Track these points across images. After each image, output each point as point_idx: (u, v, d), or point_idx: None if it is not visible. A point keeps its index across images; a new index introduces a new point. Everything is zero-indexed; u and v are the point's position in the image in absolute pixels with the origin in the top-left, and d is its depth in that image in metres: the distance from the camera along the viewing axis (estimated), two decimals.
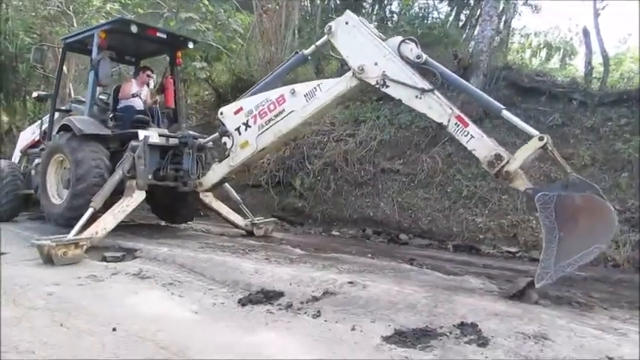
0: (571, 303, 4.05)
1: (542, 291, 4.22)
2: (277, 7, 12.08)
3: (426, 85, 4.91)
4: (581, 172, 7.87)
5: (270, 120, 5.94)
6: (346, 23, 5.43)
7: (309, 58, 6.35)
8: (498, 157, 4.46)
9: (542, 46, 14.68)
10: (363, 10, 15.54)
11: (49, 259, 5.00)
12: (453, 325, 3.30)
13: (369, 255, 6.10)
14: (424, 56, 5.03)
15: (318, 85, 5.75)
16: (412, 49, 5.05)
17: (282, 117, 5.88)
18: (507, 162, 4.42)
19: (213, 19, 12.11)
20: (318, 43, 5.88)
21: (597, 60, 10.33)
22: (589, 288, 4.83)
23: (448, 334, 3.19)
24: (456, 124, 4.72)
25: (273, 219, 8.36)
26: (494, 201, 8.11)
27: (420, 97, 4.92)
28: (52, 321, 3.35)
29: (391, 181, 9.22)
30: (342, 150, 9.71)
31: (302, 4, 14.36)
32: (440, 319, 3.43)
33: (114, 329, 3.20)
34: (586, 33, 10.14)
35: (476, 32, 10.35)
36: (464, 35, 11.95)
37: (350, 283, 4.19)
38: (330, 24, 5.59)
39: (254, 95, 6.13)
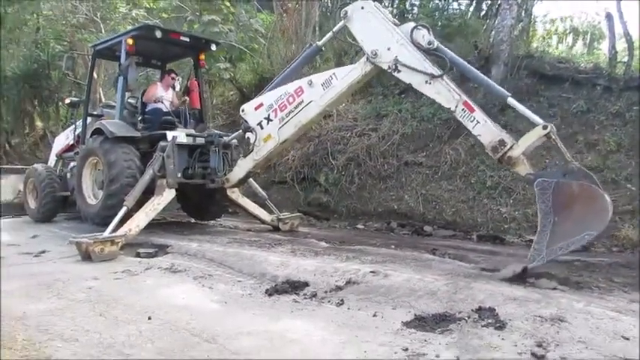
0: (591, 287, 4.09)
1: (561, 276, 4.31)
2: (297, 5, 12.21)
3: (436, 71, 5.04)
4: (606, 158, 7.87)
5: (290, 112, 6.11)
6: (362, 8, 5.54)
7: (323, 49, 6.47)
8: (502, 142, 4.61)
9: (568, 31, 14.43)
10: (384, 3, 15.55)
11: (87, 256, 5.29)
12: (472, 310, 3.41)
13: (393, 246, 6.21)
14: (435, 42, 5.16)
15: (334, 73, 5.90)
16: (424, 36, 5.18)
17: (302, 108, 6.05)
18: (511, 148, 4.56)
19: (235, 21, 12.32)
20: (334, 29, 6.01)
21: (622, 45, 10.16)
22: (613, 273, 4.84)
23: (466, 318, 3.31)
24: (462, 109, 4.86)
25: (298, 214, 8.55)
26: (518, 190, 8.11)
27: (430, 83, 5.06)
28: (93, 311, 3.60)
29: (415, 173, 9.29)
30: (365, 145, 9.82)
31: (322, 0, 14.46)
32: (459, 304, 3.55)
33: (149, 318, 3.42)
34: (609, 17, 9.98)
35: (496, 22, 10.27)
36: (484, 25, 11.86)
37: (372, 272, 4.33)
38: (346, 8, 5.71)
39: (273, 90, 6.31)
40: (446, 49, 5.21)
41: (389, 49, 5.30)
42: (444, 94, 5.00)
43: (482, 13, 14.38)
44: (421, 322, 3.28)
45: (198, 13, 12.03)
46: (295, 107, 6.07)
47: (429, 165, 9.24)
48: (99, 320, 3.41)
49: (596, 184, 4.13)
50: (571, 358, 2.70)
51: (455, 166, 8.96)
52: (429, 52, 5.19)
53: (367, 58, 5.52)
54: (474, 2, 14.23)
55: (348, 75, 5.77)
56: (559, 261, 5.53)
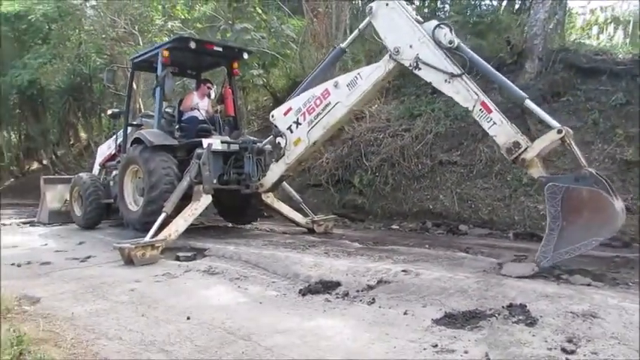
0: (627, 283, 4.03)
1: (598, 273, 4.26)
2: (327, 9, 12.31)
3: (456, 70, 5.08)
4: None
5: (318, 114, 6.24)
6: (386, 5, 5.61)
7: (347, 50, 6.57)
8: (516, 144, 4.67)
9: (609, 21, 14.00)
10: (415, 3, 15.51)
11: (129, 260, 5.53)
12: (502, 307, 3.42)
13: (426, 246, 6.24)
14: (456, 41, 5.18)
15: (358, 73, 6.00)
16: (446, 34, 5.20)
17: (329, 109, 6.17)
18: (525, 150, 4.61)
19: (267, 27, 12.52)
20: (360, 26, 6.11)
21: None
22: None
23: (497, 315, 3.32)
24: (480, 109, 4.91)
25: (333, 216, 8.63)
26: None
27: (449, 82, 5.12)
28: (135, 312, 3.79)
29: (449, 172, 9.23)
30: (399, 145, 9.81)
31: (353, 2, 14.51)
32: (490, 301, 3.56)
33: (188, 318, 3.58)
34: None
35: (529, 16, 10.10)
36: (518, 21, 11.67)
37: (404, 271, 4.38)
38: (371, 4, 5.78)
39: (300, 94, 6.46)
40: (467, 48, 5.24)
41: (411, 46, 5.37)
42: (463, 93, 5.05)
43: (516, 7, 14.16)
44: (451, 320, 3.31)
45: (231, 22, 12.27)
46: (323, 109, 6.19)
47: (463, 164, 9.16)
48: (141, 320, 3.59)
49: (609, 191, 4.10)
50: (602, 353, 2.69)
51: (490, 164, 8.85)
52: (450, 51, 5.22)
53: (390, 56, 5.60)
54: None
55: (372, 74, 5.86)
56: (597, 257, 5.48)
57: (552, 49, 9.55)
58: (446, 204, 8.79)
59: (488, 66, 5.16)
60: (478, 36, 11.07)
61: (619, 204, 4.14)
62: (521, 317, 3.24)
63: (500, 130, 4.82)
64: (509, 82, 5.07)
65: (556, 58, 9.34)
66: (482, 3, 13.67)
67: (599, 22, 14.12)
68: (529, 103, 4.81)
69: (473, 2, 13.43)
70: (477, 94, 4.95)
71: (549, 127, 4.71)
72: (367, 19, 5.83)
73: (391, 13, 5.55)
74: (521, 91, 4.97)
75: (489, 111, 4.87)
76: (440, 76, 5.18)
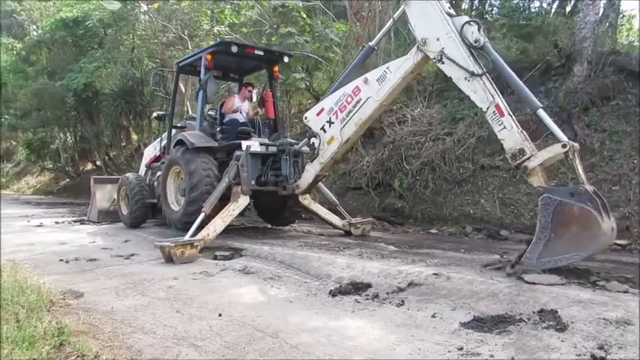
0: None
1: (636, 281, 4.11)
2: (370, 13, 12.32)
3: (477, 70, 5.06)
4: None
5: (350, 112, 6.32)
6: None
7: (376, 48, 6.69)
8: (522, 151, 4.76)
9: None
10: (463, 6, 15.31)
11: (169, 258, 5.72)
12: (533, 312, 3.36)
13: (462, 250, 6.15)
14: (482, 40, 5.13)
15: (387, 67, 6.03)
16: (473, 32, 5.16)
17: (360, 106, 6.24)
18: (528, 158, 4.71)
19: (311, 31, 12.63)
20: (395, 15, 6.16)
21: None
22: None
23: (527, 320, 3.27)
24: (493, 112, 4.94)
25: (370, 219, 8.60)
26: (603, 192, 7.67)
27: (469, 80, 5.11)
28: (171, 308, 3.92)
29: (491, 177, 9.07)
30: (440, 149, 9.72)
31: (397, 5, 14.45)
32: (520, 306, 3.50)
33: (219, 315, 3.69)
34: None
35: (578, 18, 9.80)
36: (567, 24, 11.33)
37: (435, 274, 4.35)
38: None
39: (331, 94, 6.55)
40: (492, 49, 5.17)
41: (438, 39, 5.36)
42: (480, 93, 5.05)
43: (568, 10, 13.75)
44: (479, 323, 3.28)
45: (275, 26, 12.45)
46: (354, 106, 6.27)
47: (506, 168, 8.95)
48: (175, 316, 3.72)
49: (600, 210, 4.13)
50: None
51: None
52: (476, 50, 5.20)
53: (417, 47, 5.61)
54: (557, 0, 13.63)
55: (401, 66, 5.88)
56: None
57: (602, 52, 9.24)
58: (487, 209, 8.64)
59: (509, 70, 5.08)
60: (525, 39, 10.82)
61: (608, 224, 4.19)
62: (551, 323, 3.17)
63: (509, 135, 4.88)
64: (526, 89, 5.01)
65: (606, 61, 9.03)
66: (532, 5, 13.37)
67: None
68: (541, 113, 4.79)
69: (522, 4, 13.13)
70: (493, 97, 4.97)
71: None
72: (402, 7, 5.83)
73: (424, 4, 5.53)
74: (536, 100, 4.92)
75: (502, 114, 4.90)
76: (461, 73, 5.18)
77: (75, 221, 10.87)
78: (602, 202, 4.25)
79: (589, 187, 4.31)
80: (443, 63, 5.33)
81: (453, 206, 9.09)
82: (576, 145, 4.59)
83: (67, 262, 5.91)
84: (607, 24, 10.43)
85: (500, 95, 5.09)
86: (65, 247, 7.02)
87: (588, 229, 4.10)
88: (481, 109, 5.14)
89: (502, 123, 4.90)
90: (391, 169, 10.25)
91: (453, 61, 5.21)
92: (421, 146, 10.17)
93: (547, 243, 4.27)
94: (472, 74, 5.07)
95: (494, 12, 15.46)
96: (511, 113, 4.98)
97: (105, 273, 5.29)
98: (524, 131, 4.96)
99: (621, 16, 12.10)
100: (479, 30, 5.19)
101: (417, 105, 11.56)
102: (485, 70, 5.10)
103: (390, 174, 10.25)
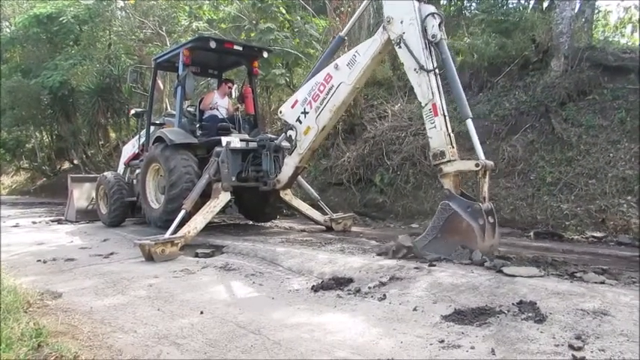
0: None
1: (614, 271, 4.19)
2: (349, 9, 12.30)
3: (428, 65, 5.14)
4: None
5: (323, 100, 6.37)
6: None
7: (346, 38, 6.96)
8: (442, 154, 5.07)
9: None
10: (442, 1, 15.40)
11: (149, 257, 5.66)
12: (512, 304, 3.39)
13: None
14: (439, 37, 5.19)
15: (356, 51, 6.08)
16: (433, 26, 5.21)
17: (333, 92, 6.28)
18: (447, 162, 5.03)
19: (290, 27, 12.58)
20: (363, 3, 6.35)
21: None
22: None
23: (506, 312, 3.30)
24: (429, 109, 5.13)
25: (351, 214, 8.61)
26: (580, 186, 7.84)
27: (417, 72, 5.19)
28: (152, 307, 3.88)
29: (471, 172, 9.13)
30: (421, 144, 9.77)
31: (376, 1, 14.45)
32: (500, 298, 3.54)
33: (201, 312, 3.67)
34: None
35: (555, 14, 9.92)
36: (545, 19, 11.46)
37: (416, 268, 4.38)
38: None
39: (304, 86, 6.61)
40: (446, 48, 5.24)
41: (402, 22, 5.39)
42: (423, 88, 5.17)
43: (545, 5, 13.91)
44: (460, 316, 3.30)
45: (255, 22, 12.37)
46: (327, 93, 6.32)
47: None
48: (156, 314, 3.68)
49: (484, 230, 4.62)
50: (610, 350, 2.65)
51: (513, 163, 8.77)
52: (432, 44, 5.27)
53: (383, 27, 5.63)
54: None
55: (369, 48, 5.92)
56: (618, 257, 5.37)
57: (579, 48, 9.39)
58: None
59: (455, 74, 5.17)
60: (503, 34, 10.92)
61: (488, 243, 4.68)
62: (530, 314, 3.20)
63: (437, 135, 5.10)
64: (464, 97, 5.15)
65: (582, 56, 9.19)
66: (510, 1, 13.50)
67: (633, 20, 13.80)
68: (468, 123, 5.02)
69: (500, 0, 13.25)
70: (433, 95, 5.09)
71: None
72: None
73: None
74: (468, 110, 5.10)
75: (436, 114, 5.09)
76: (412, 63, 5.24)
77: (52, 221, 10.68)
78: (492, 223, 4.74)
79: (486, 207, 4.68)
80: (400, 47, 5.39)
81: (434, 201, 9.12)
82: (490, 163, 4.88)
83: (44, 262, 5.82)
84: (583, 20, 10.59)
85: (442, 96, 5.24)
86: (43, 248, 6.91)
87: (467, 244, 4.66)
88: (420, 103, 5.28)
89: (434, 122, 5.10)
90: (372, 165, 10.30)
91: (409, 49, 5.25)
92: (402, 141, 10.23)
93: (432, 240, 4.87)
94: (421, 68, 5.13)
95: (472, 7, 15.60)
96: (446, 115, 5.18)
97: (83, 273, 5.22)
98: (452, 134, 5.19)
99: (597, 11, 12.28)
100: (439, 25, 5.24)
101: (398, 100, 11.61)
102: (434, 67, 5.19)
103: (371, 169, 10.29)
